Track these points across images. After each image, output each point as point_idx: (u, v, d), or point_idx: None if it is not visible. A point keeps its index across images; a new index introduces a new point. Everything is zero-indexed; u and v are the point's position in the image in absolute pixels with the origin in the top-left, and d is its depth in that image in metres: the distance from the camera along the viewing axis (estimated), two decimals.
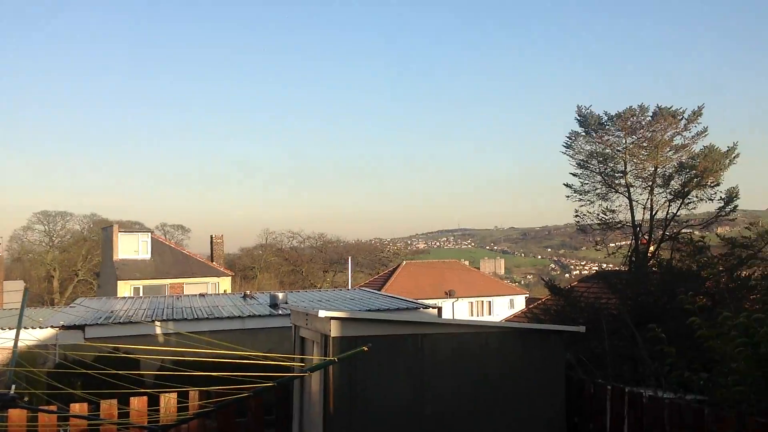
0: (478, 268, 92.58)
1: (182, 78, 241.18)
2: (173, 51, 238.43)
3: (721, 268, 14.12)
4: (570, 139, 24.52)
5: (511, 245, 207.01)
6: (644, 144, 23.19)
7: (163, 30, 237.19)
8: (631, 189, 22.82)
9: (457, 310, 61.79)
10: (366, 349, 5.57)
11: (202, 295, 24.19)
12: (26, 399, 9.16)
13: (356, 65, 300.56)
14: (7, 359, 11.42)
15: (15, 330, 8.39)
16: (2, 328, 14.44)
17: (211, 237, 54.61)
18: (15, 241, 73.65)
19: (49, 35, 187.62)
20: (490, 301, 65.15)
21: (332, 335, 5.74)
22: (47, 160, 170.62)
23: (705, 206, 22.39)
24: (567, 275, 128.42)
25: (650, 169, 22.75)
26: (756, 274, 13.53)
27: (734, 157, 21.57)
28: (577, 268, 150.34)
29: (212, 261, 52.18)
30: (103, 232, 53.73)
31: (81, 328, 15.27)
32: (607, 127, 23.67)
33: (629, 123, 23.20)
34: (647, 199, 22.49)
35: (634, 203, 22.64)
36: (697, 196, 21.66)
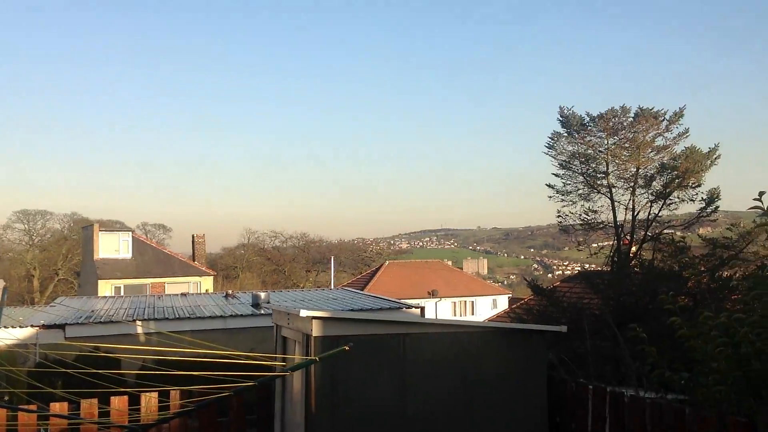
0: (461, 268, 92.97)
1: (165, 73, 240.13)
2: (161, 43, 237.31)
3: (702, 269, 14.22)
4: (552, 139, 24.54)
5: (494, 245, 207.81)
6: (626, 145, 23.25)
7: (159, 24, 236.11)
8: (613, 189, 22.84)
9: (440, 310, 61.88)
10: (347, 348, 5.56)
11: (183, 295, 24.12)
12: (6, 398, 9.10)
13: (344, 62, 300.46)
14: None
15: None
16: None
17: (193, 236, 54.42)
18: None
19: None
20: (473, 301, 65.30)
21: (314, 335, 5.71)
22: (26, 158, 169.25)
23: (686, 207, 22.45)
24: (550, 275, 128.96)
25: (632, 169, 22.79)
26: (737, 275, 13.62)
27: (716, 158, 21.66)
28: (560, 268, 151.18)
29: (194, 260, 51.98)
30: (83, 231, 53.38)
31: (62, 327, 15.17)
32: (589, 127, 23.71)
33: (611, 124, 23.24)
34: (629, 200, 22.53)
35: (616, 204, 22.66)
36: (678, 197, 21.69)
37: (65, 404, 6.05)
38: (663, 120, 22.95)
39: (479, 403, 6.23)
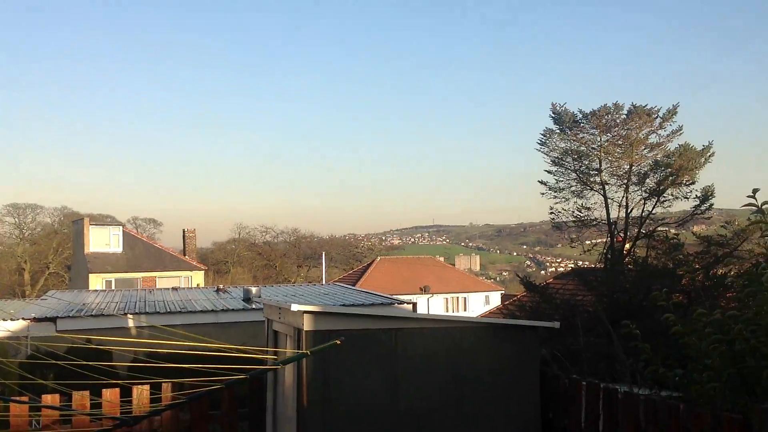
0: (453, 265, 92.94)
1: (158, 69, 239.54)
2: (158, 39, 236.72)
3: (697, 266, 14.22)
4: (545, 136, 24.52)
5: (487, 242, 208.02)
6: (619, 142, 23.25)
7: (157, 20, 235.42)
8: (607, 187, 22.84)
9: (433, 306, 61.87)
10: (338, 342, 5.53)
11: (174, 289, 24.04)
12: None
13: (339, 60, 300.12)
14: None
15: None
16: None
17: (184, 231, 54.29)
18: None
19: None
20: (465, 298, 65.33)
21: (305, 329, 5.68)
22: (16, 151, 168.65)
23: (680, 204, 22.46)
24: (542, 272, 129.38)
25: (625, 167, 22.79)
26: (732, 273, 13.62)
27: (709, 156, 21.66)
28: (553, 265, 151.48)
29: (185, 255, 51.88)
30: (74, 225, 53.25)
31: (53, 320, 15.12)
32: (581, 124, 23.70)
33: (604, 121, 23.24)
34: (622, 197, 22.53)
35: (609, 201, 22.67)
36: (672, 195, 21.69)
37: (57, 396, 6.02)
38: (656, 117, 22.96)
39: (471, 398, 6.21)
